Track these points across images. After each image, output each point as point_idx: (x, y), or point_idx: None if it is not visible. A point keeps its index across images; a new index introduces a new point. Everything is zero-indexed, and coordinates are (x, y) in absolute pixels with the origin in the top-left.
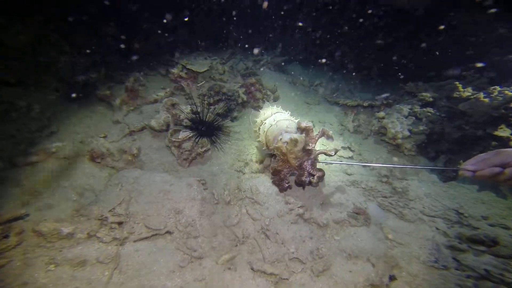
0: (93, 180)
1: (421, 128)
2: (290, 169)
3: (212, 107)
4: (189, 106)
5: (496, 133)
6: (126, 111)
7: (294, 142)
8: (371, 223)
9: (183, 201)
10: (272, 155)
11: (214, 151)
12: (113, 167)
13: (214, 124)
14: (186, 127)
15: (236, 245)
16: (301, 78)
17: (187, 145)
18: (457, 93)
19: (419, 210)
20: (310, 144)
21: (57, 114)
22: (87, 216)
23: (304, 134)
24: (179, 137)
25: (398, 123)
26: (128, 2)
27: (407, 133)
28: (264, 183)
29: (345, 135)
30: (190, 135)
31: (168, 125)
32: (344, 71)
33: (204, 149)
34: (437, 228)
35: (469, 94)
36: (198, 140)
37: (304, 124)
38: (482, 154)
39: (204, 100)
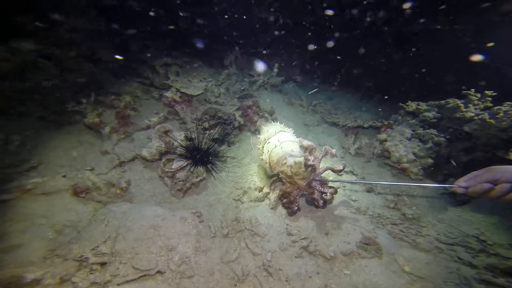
0: (75, 216)
1: (427, 151)
2: (299, 190)
3: (207, 132)
4: (183, 132)
5: (508, 157)
6: (116, 140)
7: (299, 165)
8: (383, 254)
9: (177, 236)
10: (276, 178)
11: (210, 179)
12: (100, 201)
13: (209, 150)
14: (180, 155)
15: (236, 285)
16: (300, 98)
17: (181, 175)
18: (460, 113)
19: (434, 237)
20: (316, 165)
21: (40, 146)
22: (63, 256)
23: (308, 154)
24: (173, 167)
25: (401, 146)
26: (124, 24)
27: (412, 156)
28: (264, 213)
29: (347, 158)
30: (184, 164)
31: (161, 154)
32: (342, 90)
33: (199, 178)
34: (459, 258)
35: (472, 114)
36: (193, 169)
37: (306, 143)
38: (474, 172)
39: (199, 125)
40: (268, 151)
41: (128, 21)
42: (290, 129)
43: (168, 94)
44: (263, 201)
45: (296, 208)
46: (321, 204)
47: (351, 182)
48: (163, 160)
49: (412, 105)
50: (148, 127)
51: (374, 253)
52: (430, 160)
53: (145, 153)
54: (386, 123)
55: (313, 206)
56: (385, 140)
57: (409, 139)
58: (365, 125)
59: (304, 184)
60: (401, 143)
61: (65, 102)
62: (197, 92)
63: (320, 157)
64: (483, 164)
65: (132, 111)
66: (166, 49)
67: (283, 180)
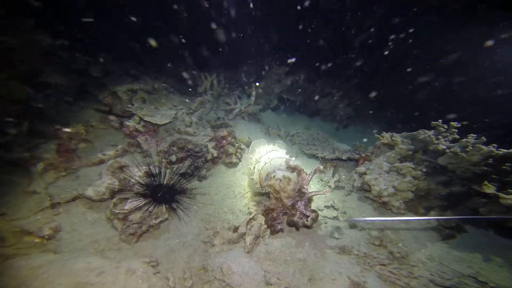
0: None
1: (406, 185)
2: (283, 208)
3: (175, 166)
4: (143, 167)
5: (483, 190)
6: (53, 178)
7: (287, 180)
8: None
9: None
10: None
11: (174, 220)
12: (1, 255)
13: (175, 187)
14: (137, 194)
15: None
16: (278, 128)
17: (136, 216)
18: (433, 145)
19: (428, 278)
20: (305, 186)
21: None
22: None
23: (296, 174)
24: (126, 207)
25: (381, 179)
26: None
27: (392, 190)
28: (238, 258)
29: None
30: (141, 204)
31: (113, 193)
32: (320, 118)
33: (159, 219)
34: None
35: (444, 147)
36: (152, 209)
37: (292, 163)
38: None
39: (165, 158)
40: (258, 169)
41: (86, 36)
42: (283, 150)
43: (130, 123)
44: (237, 242)
45: (278, 228)
46: (300, 225)
47: (381, 220)
48: (114, 200)
49: (386, 137)
50: (101, 162)
51: None
52: (411, 194)
53: (90, 192)
54: (363, 155)
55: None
56: (364, 173)
57: (388, 172)
58: (343, 157)
59: (289, 203)
60: (380, 176)
61: None
62: (164, 121)
63: (309, 179)
64: (461, 197)
65: (83, 143)
66: (132, 75)
67: (270, 196)
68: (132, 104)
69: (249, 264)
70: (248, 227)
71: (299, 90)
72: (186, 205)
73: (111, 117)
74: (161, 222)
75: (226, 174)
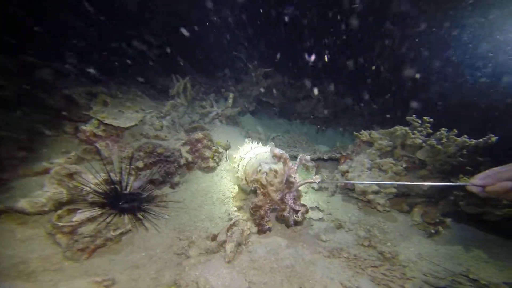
0: None
1: (388, 181)
2: (272, 203)
3: (142, 173)
4: (102, 174)
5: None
6: None
7: (274, 172)
8: None
9: None
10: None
11: (140, 231)
12: None
13: (141, 195)
14: (92, 204)
15: None
16: (258, 131)
17: (88, 229)
18: (410, 140)
19: (422, 279)
20: (292, 175)
21: None
22: None
23: (282, 163)
24: (74, 219)
25: (364, 176)
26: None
27: (376, 187)
28: (218, 270)
29: (310, 193)
30: (96, 214)
31: (59, 204)
32: (299, 121)
33: (119, 231)
34: None
35: (421, 141)
36: (110, 220)
37: (278, 152)
38: (495, 168)
39: (130, 165)
40: (243, 165)
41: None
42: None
43: (87, 127)
44: (217, 252)
45: (266, 227)
46: (291, 224)
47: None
48: (58, 212)
49: (365, 134)
50: (47, 171)
51: None
52: (394, 190)
53: (23, 204)
54: (344, 154)
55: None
56: (347, 172)
57: (369, 169)
58: (324, 157)
59: (278, 197)
60: (363, 174)
61: None
62: (130, 123)
63: (295, 168)
64: (442, 191)
65: (23, 152)
66: (93, 77)
67: (257, 192)
68: (91, 108)
69: (231, 275)
70: (229, 234)
71: (278, 93)
72: (155, 215)
73: (65, 122)
74: (122, 234)
75: (203, 179)
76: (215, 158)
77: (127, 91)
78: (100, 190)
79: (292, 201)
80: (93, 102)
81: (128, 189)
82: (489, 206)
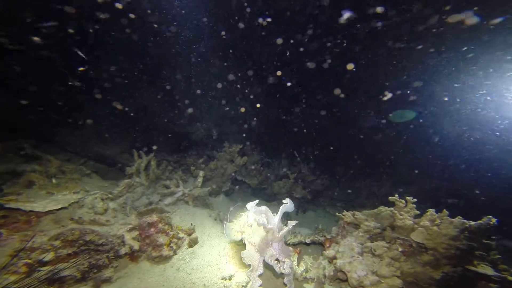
0: None
1: (388, 268)
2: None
3: (46, 268)
4: None
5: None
6: None
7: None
8: None
9: None
10: None
11: None
12: None
13: None
14: None
15: None
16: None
17: None
18: (399, 221)
19: None
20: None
21: None
22: None
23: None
24: None
25: (356, 263)
26: None
27: (374, 277)
28: None
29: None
30: None
31: None
32: (277, 203)
33: None
34: None
35: (411, 222)
36: None
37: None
38: None
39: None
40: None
41: None
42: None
43: None
44: None
45: (258, 284)
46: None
47: None
48: None
49: (348, 215)
50: None
51: None
52: (398, 281)
53: None
54: (329, 237)
55: None
56: (335, 258)
57: (361, 254)
58: (307, 241)
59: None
60: (354, 260)
61: None
62: (51, 207)
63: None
64: (458, 282)
65: None
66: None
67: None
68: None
69: None
70: None
71: (254, 171)
72: None
73: None
74: None
75: (149, 273)
76: (171, 245)
77: (73, 170)
78: None
79: (278, 252)
80: (10, 183)
81: None
82: None
